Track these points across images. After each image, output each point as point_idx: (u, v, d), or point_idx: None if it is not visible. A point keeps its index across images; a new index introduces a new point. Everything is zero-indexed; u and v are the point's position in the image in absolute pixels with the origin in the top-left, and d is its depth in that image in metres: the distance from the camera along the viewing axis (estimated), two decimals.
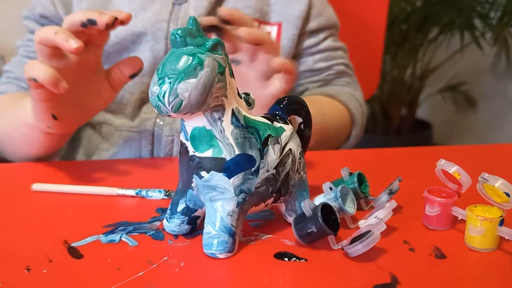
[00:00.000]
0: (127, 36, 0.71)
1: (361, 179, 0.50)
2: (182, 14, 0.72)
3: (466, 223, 0.43)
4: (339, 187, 0.45)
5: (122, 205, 0.51)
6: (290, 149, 0.45)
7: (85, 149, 0.77)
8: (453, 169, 0.44)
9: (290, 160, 0.44)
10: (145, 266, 0.39)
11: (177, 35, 0.38)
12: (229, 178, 0.40)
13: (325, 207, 0.42)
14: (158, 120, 0.72)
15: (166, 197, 0.52)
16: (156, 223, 0.47)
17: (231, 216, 0.41)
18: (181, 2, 0.73)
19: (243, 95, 0.44)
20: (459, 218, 0.45)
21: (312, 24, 0.79)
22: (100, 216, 0.48)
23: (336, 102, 0.79)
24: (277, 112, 0.47)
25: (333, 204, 0.44)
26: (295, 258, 0.41)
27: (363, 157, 0.67)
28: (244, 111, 0.42)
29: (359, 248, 0.40)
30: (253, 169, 0.41)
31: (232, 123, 0.40)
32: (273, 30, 0.77)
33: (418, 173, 0.60)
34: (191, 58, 0.37)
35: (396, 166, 0.63)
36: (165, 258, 0.41)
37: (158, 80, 0.37)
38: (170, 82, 0.37)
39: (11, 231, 0.46)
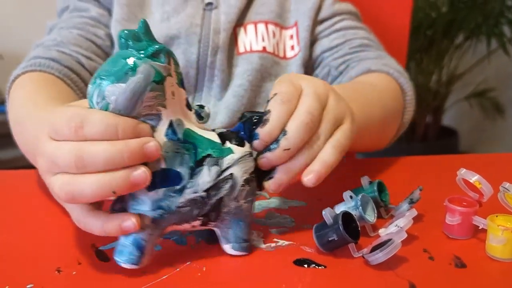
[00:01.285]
0: (160, 37, 0.73)
1: (381, 187, 0.51)
2: (214, 19, 0.74)
3: (487, 233, 0.43)
4: (360, 196, 0.46)
5: None
6: (231, 174, 0.41)
7: None
8: (474, 178, 0.44)
9: (228, 185, 0.41)
10: (169, 270, 0.41)
11: (121, 37, 0.37)
12: (149, 191, 0.38)
13: (346, 215, 0.43)
14: None
15: None
16: None
17: (144, 230, 0.39)
18: (212, 8, 0.75)
19: (195, 107, 0.42)
20: (480, 228, 0.44)
21: (325, 13, 0.78)
22: None
23: (375, 75, 0.71)
24: (239, 132, 0.43)
25: (353, 212, 0.45)
26: (314, 265, 0.42)
27: (383, 165, 0.67)
28: (191, 125, 0.40)
29: (379, 257, 0.40)
30: (177, 187, 0.38)
31: (166, 135, 0.38)
32: (293, 32, 0.78)
33: (439, 181, 0.59)
34: (124, 62, 0.36)
35: (417, 174, 0.63)
36: (188, 263, 0.42)
37: (91, 80, 0.37)
38: (99, 84, 0.36)
39: (43, 234, 0.48)
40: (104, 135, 0.36)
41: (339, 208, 0.47)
